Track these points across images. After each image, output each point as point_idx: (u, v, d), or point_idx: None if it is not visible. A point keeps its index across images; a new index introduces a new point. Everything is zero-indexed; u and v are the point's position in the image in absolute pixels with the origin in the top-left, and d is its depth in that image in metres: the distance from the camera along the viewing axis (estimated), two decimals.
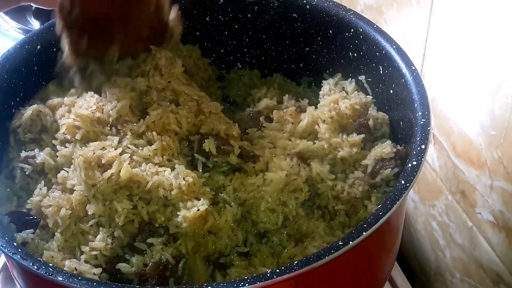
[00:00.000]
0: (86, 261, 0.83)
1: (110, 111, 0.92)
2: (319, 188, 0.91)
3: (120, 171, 0.84)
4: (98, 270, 0.81)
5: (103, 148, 0.87)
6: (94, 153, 0.85)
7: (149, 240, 0.83)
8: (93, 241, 0.84)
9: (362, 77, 1.04)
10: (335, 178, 0.93)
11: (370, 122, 0.97)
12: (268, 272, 0.67)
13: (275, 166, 0.90)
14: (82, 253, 0.84)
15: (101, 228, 0.85)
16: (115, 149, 0.87)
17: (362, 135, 0.96)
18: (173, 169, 0.87)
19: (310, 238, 0.87)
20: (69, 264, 0.81)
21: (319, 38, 1.09)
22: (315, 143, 0.95)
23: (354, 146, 0.95)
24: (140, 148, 0.89)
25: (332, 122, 0.97)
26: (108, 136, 0.90)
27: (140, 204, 0.84)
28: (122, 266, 0.82)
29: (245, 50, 1.20)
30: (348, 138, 0.96)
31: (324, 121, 0.97)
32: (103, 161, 0.85)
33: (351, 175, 0.93)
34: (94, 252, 0.83)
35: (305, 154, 0.94)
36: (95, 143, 0.88)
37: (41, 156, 0.92)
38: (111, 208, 0.84)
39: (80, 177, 0.84)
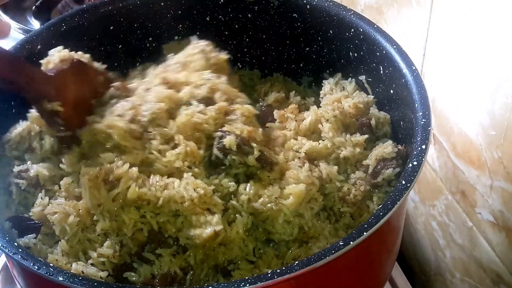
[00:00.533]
0: (92, 265, 0.82)
1: (145, 112, 0.90)
2: (327, 188, 0.91)
3: (126, 189, 0.82)
4: (104, 274, 0.80)
5: (112, 162, 0.85)
6: (100, 169, 0.83)
7: (158, 251, 0.82)
8: (100, 247, 0.83)
9: (362, 77, 1.04)
10: (343, 180, 0.92)
11: (372, 122, 0.97)
12: (269, 272, 0.67)
13: (293, 177, 0.88)
14: (89, 257, 0.82)
15: (109, 235, 0.84)
16: (124, 164, 0.84)
17: (366, 136, 0.95)
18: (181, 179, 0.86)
19: (314, 239, 0.86)
20: (76, 267, 0.80)
21: (319, 38, 1.09)
22: (319, 142, 0.94)
23: (357, 146, 0.94)
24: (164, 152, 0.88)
25: (336, 121, 0.97)
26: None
27: (149, 215, 0.83)
28: (130, 275, 0.81)
29: (245, 50, 1.20)
30: (352, 138, 0.95)
31: (327, 120, 0.97)
32: (110, 178, 0.83)
33: (353, 175, 0.93)
34: (101, 259, 0.81)
35: (311, 155, 0.93)
36: (106, 154, 0.86)
37: (34, 168, 0.91)
38: (118, 220, 0.83)
39: (86, 195, 0.83)
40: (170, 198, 0.82)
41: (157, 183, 0.83)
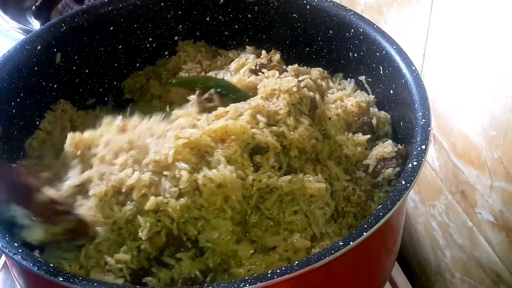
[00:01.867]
0: (109, 271, 0.80)
1: None
2: (335, 185, 0.91)
3: (141, 197, 0.81)
4: (121, 280, 0.79)
5: (125, 167, 0.83)
6: (108, 185, 0.81)
7: (178, 255, 0.80)
8: (117, 252, 0.81)
9: (362, 77, 1.04)
10: (350, 179, 0.92)
11: (374, 121, 0.97)
12: (269, 272, 0.66)
13: (312, 187, 0.86)
14: (106, 263, 0.80)
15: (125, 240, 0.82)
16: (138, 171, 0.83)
17: (368, 136, 0.95)
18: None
19: (318, 239, 0.86)
20: (93, 275, 0.78)
21: (319, 38, 1.10)
22: (324, 141, 0.94)
23: (359, 145, 0.94)
24: None
25: (339, 120, 0.97)
26: None
27: (168, 220, 0.81)
28: (149, 280, 0.80)
29: None
30: (354, 137, 0.95)
31: (330, 118, 0.97)
32: (123, 189, 0.82)
33: (353, 174, 0.93)
34: (119, 265, 0.79)
35: (318, 155, 0.94)
36: (119, 159, 0.84)
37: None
38: (134, 224, 0.82)
39: (99, 215, 0.82)
40: (188, 206, 0.81)
41: (171, 189, 0.82)
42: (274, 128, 0.89)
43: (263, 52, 1.09)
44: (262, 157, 0.87)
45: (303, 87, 0.96)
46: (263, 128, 0.88)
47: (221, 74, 1.08)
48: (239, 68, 1.06)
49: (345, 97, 1.01)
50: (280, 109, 0.91)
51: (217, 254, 0.82)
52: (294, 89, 0.93)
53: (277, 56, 1.08)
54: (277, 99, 0.92)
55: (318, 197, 0.86)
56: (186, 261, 0.80)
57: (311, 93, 0.97)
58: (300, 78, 1.00)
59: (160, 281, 0.80)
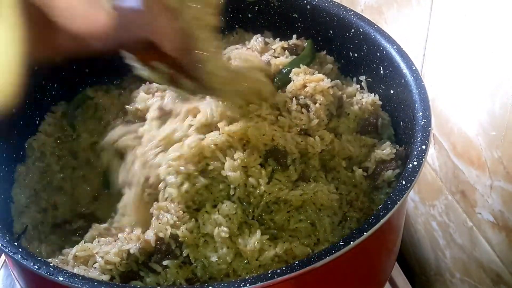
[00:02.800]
0: (96, 269, 0.80)
1: None
2: (341, 189, 0.90)
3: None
4: (106, 277, 0.78)
5: None
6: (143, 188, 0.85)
7: (165, 263, 0.79)
8: (108, 252, 0.81)
9: (362, 77, 1.04)
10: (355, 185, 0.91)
11: (379, 122, 0.96)
12: (269, 272, 0.66)
13: (323, 197, 0.85)
14: (94, 262, 0.81)
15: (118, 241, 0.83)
16: None
17: (375, 140, 0.95)
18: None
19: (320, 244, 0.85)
20: (77, 271, 0.79)
21: (319, 38, 1.09)
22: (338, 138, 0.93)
23: (364, 146, 0.93)
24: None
25: (355, 118, 0.96)
26: None
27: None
28: (137, 283, 0.80)
29: None
30: (362, 137, 0.95)
31: (348, 114, 0.96)
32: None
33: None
34: (109, 266, 0.79)
35: (325, 155, 0.92)
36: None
37: None
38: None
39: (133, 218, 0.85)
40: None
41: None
42: (299, 140, 0.88)
43: (294, 36, 1.09)
44: (280, 166, 0.86)
45: (333, 86, 0.95)
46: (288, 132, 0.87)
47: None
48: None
49: (358, 92, 1.01)
50: (315, 119, 0.90)
51: (208, 273, 0.80)
52: (330, 91, 0.92)
53: (307, 43, 1.08)
54: (309, 96, 0.92)
55: (328, 207, 0.85)
56: (173, 269, 0.79)
57: (340, 92, 0.96)
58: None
59: (147, 285, 0.79)
